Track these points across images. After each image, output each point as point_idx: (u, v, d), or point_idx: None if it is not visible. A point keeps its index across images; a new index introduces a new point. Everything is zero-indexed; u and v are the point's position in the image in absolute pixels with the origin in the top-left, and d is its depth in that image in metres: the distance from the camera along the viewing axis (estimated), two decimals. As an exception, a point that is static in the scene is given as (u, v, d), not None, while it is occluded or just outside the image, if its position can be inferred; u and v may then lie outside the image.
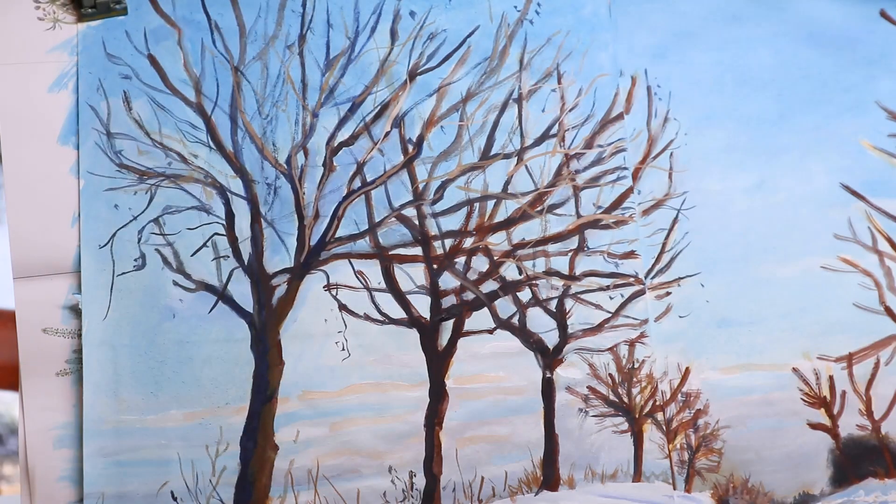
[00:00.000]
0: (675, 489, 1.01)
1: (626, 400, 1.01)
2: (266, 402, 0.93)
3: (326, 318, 0.96)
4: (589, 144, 1.04)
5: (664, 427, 1.01)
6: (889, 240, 1.09)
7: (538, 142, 1.03)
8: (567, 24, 1.04)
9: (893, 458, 1.06)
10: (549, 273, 1.01)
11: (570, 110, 1.04)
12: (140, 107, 0.95)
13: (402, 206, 0.99)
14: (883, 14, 1.12)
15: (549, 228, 1.02)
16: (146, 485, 0.90)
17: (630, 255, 1.03)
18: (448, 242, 1.00)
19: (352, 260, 0.98)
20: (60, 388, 0.90)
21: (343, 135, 0.99)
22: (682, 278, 1.04)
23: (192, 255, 0.94)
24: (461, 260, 1.00)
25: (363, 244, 0.98)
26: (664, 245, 1.04)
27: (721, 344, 1.03)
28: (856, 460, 1.05)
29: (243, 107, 0.97)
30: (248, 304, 0.94)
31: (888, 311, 1.08)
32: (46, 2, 0.94)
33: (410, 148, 1.00)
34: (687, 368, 1.02)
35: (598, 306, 1.02)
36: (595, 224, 1.03)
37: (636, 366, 1.02)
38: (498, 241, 1.01)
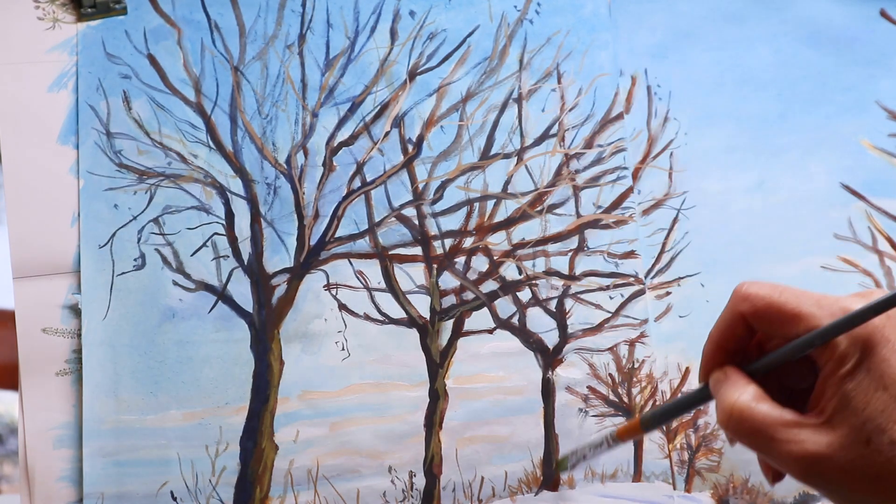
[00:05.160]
0: (675, 489, 1.01)
1: (626, 400, 1.01)
2: (266, 402, 0.93)
3: (326, 318, 0.96)
4: (589, 144, 1.04)
5: (664, 427, 1.01)
6: (889, 240, 1.09)
7: (538, 141, 1.03)
8: (567, 24, 1.04)
9: (893, 458, 1.06)
10: (549, 273, 1.01)
11: (570, 110, 1.04)
12: (140, 106, 0.95)
13: (402, 206, 0.99)
14: (883, 14, 1.12)
15: (549, 228, 1.02)
16: (146, 485, 0.90)
17: (630, 255, 1.03)
18: (448, 242, 1.00)
19: (352, 260, 0.98)
20: (60, 388, 0.90)
21: (343, 135, 0.99)
22: (682, 278, 1.04)
23: (191, 255, 0.94)
24: (461, 260, 1.00)
25: (363, 244, 0.98)
26: (664, 245, 1.04)
27: (721, 344, 1.03)
28: (856, 460, 1.05)
29: (243, 107, 0.97)
30: (247, 303, 0.94)
31: (888, 311, 1.08)
32: (46, 1, 0.94)
33: (410, 148, 1.00)
34: (687, 368, 1.02)
35: (598, 306, 1.02)
36: (595, 224, 1.03)
37: (636, 366, 1.01)
38: (498, 241, 1.01)
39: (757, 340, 0.64)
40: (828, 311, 0.58)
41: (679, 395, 1.02)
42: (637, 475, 1.00)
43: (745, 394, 0.58)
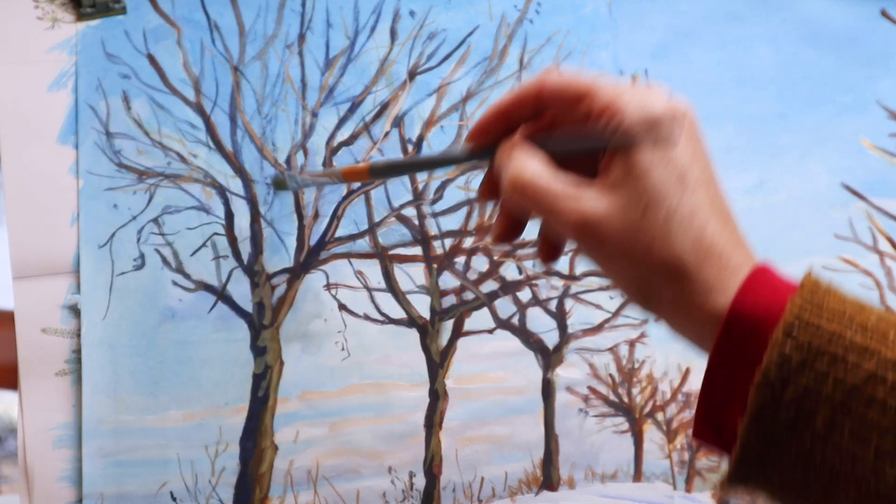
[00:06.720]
0: (675, 489, 1.01)
1: (626, 400, 1.01)
2: (265, 402, 0.93)
3: (326, 318, 0.96)
4: (589, 144, 1.04)
5: (664, 427, 1.01)
6: (890, 240, 1.09)
7: (538, 141, 1.03)
8: (567, 24, 1.04)
9: (894, 459, 1.06)
10: (549, 273, 1.01)
11: (570, 110, 1.04)
12: (139, 106, 0.95)
13: (402, 206, 0.99)
14: (883, 13, 1.12)
15: (549, 228, 1.02)
16: (145, 485, 0.90)
17: (630, 254, 1.03)
18: (448, 242, 1.00)
19: (351, 260, 0.97)
20: (60, 388, 0.89)
21: (343, 134, 0.99)
22: (682, 278, 1.04)
23: (191, 255, 0.94)
24: (461, 260, 1.00)
25: (363, 244, 0.98)
26: (664, 245, 1.04)
27: (721, 344, 1.03)
28: (856, 460, 1.05)
29: (243, 106, 0.97)
30: (247, 304, 0.94)
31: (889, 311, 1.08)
32: (45, 1, 0.94)
33: (410, 148, 1.00)
34: (687, 368, 1.02)
35: (598, 306, 1.02)
36: (595, 224, 1.03)
37: (636, 366, 1.01)
38: (498, 240, 1.01)
39: (545, 123, 0.64)
40: (617, 93, 0.59)
41: (679, 395, 1.02)
42: (637, 475, 1.00)
43: (532, 160, 0.59)
